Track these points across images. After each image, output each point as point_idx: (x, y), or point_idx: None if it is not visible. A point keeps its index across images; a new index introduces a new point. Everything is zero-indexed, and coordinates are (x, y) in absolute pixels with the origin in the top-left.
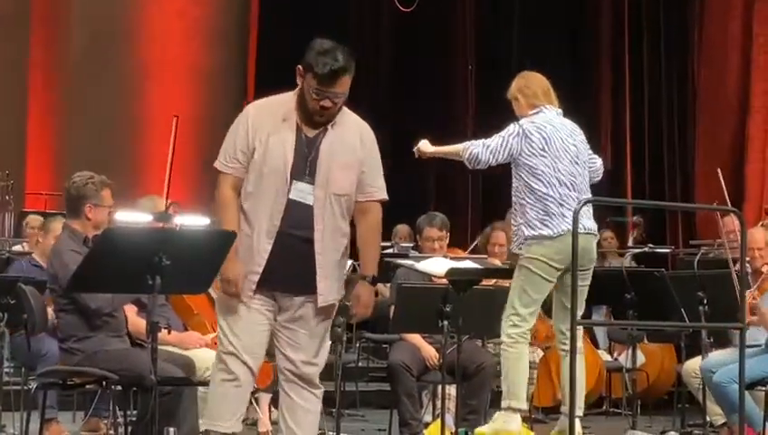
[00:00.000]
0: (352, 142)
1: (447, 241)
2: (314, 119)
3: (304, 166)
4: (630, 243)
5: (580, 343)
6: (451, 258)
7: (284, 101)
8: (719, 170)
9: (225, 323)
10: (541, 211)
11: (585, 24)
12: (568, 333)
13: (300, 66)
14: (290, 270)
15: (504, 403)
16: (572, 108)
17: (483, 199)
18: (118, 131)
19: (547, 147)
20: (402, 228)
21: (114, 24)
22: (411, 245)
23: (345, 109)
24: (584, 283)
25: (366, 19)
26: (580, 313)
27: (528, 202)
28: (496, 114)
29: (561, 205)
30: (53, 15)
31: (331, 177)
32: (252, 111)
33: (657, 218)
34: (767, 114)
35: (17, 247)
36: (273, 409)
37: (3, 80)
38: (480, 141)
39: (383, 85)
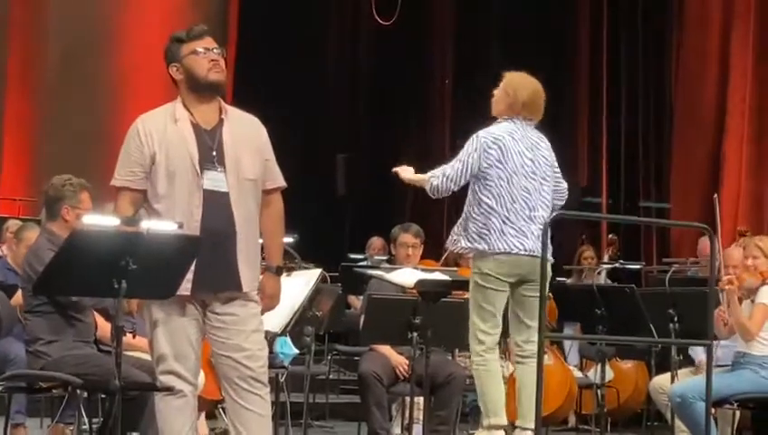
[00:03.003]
0: (250, 131)
1: (421, 251)
2: (210, 78)
3: (211, 155)
4: (605, 261)
5: (534, 350)
6: (422, 270)
7: (170, 106)
8: (715, 197)
9: (157, 337)
10: (481, 225)
11: (563, 44)
12: (523, 345)
13: (171, 63)
14: (213, 264)
15: (484, 422)
16: (549, 125)
17: (458, 216)
18: (94, 139)
19: (503, 158)
20: (376, 241)
21: (91, 34)
22: (385, 258)
23: (231, 107)
24: (535, 294)
25: (345, 32)
26: (536, 323)
27: (472, 215)
28: (473, 128)
29: (505, 222)
30: (31, 24)
31: (239, 162)
32: (140, 123)
33: (631, 237)
34: (743, 135)
35: None
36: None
37: None
38: (440, 171)
39: (360, 98)
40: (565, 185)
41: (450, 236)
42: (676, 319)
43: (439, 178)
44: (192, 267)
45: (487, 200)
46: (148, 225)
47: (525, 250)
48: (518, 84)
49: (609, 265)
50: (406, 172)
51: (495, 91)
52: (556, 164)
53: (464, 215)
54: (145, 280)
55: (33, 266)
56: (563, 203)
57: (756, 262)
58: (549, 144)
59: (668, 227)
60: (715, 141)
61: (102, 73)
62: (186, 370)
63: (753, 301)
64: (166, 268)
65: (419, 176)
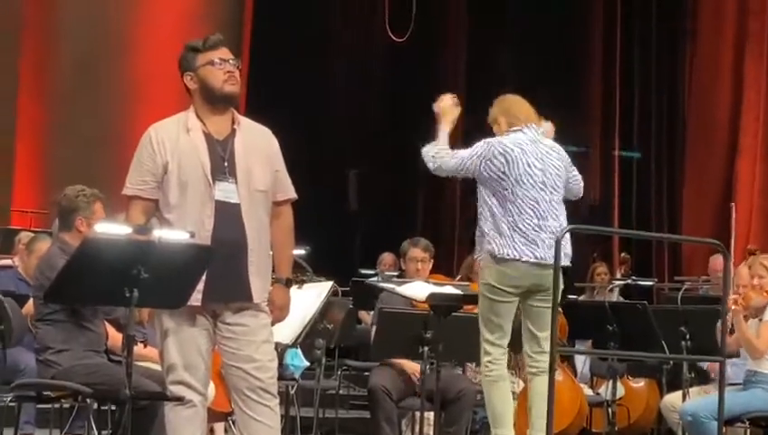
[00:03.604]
0: (262, 142)
1: (431, 266)
2: (225, 90)
3: (222, 166)
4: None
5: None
6: (433, 283)
7: (183, 116)
8: (732, 205)
9: (167, 347)
10: (493, 232)
11: (576, 60)
12: (535, 356)
13: (186, 72)
14: (224, 275)
15: (493, 433)
16: (561, 141)
17: (469, 231)
18: (106, 150)
19: (508, 169)
20: (387, 257)
21: (104, 42)
22: (396, 273)
23: (244, 117)
24: (546, 305)
25: (358, 47)
26: (545, 334)
27: (485, 216)
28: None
29: (515, 230)
30: (43, 32)
31: (251, 173)
32: (152, 132)
33: (643, 256)
34: (756, 153)
35: (5, 262)
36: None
37: None
38: (443, 152)
39: (372, 114)
40: (581, 184)
41: (475, 247)
42: (687, 337)
43: (434, 159)
44: (203, 278)
45: (495, 209)
46: (160, 234)
47: (536, 258)
48: (505, 104)
49: (622, 282)
50: (446, 111)
51: (491, 121)
52: (571, 164)
53: (479, 224)
54: (156, 289)
55: (44, 274)
56: (579, 197)
57: (762, 281)
58: (562, 152)
59: (680, 246)
60: (728, 160)
61: (115, 80)
62: (196, 380)
63: (760, 319)
64: (177, 277)
65: (442, 135)
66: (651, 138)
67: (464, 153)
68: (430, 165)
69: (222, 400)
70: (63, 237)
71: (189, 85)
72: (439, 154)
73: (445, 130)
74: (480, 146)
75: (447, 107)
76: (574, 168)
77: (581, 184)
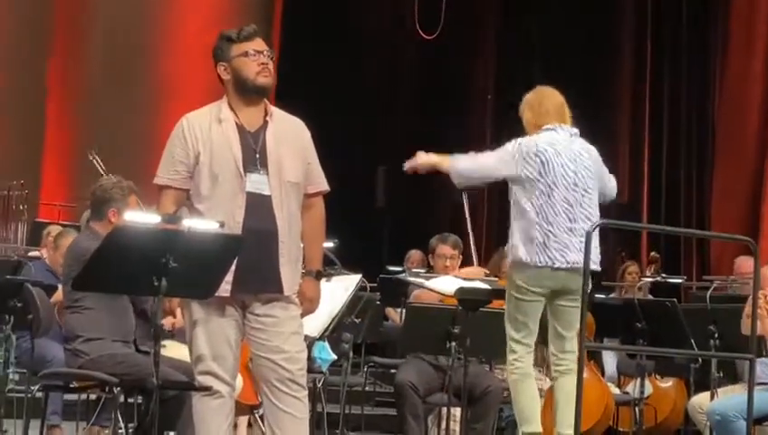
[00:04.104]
0: (293, 133)
1: (459, 262)
2: (258, 82)
3: (254, 158)
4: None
5: (574, 365)
6: (461, 278)
7: (215, 106)
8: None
9: (196, 337)
10: (524, 236)
11: (606, 61)
12: (561, 355)
13: (220, 62)
14: (255, 266)
15: (519, 431)
16: (590, 141)
17: (498, 228)
18: (135, 146)
19: (544, 170)
20: (415, 254)
21: (134, 39)
22: (423, 270)
23: (276, 108)
24: (573, 304)
25: (387, 45)
26: (571, 334)
27: (517, 223)
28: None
29: (548, 235)
30: (74, 28)
31: (282, 165)
32: (185, 122)
33: (671, 255)
34: None
35: (34, 253)
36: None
37: (21, 92)
38: (470, 160)
39: (401, 111)
40: (614, 182)
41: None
42: (716, 335)
43: (468, 170)
44: (233, 268)
45: (529, 211)
46: (190, 223)
47: (567, 262)
48: (537, 98)
49: (651, 279)
50: (421, 159)
51: (521, 113)
52: (603, 168)
53: (511, 224)
54: (185, 279)
55: (73, 262)
56: (611, 199)
57: None
58: (594, 153)
59: (708, 247)
60: (758, 161)
61: (144, 78)
62: (223, 370)
63: None
64: (206, 267)
65: (437, 159)
66: (681, 145)
67: (495, 154)
68: (465, 176)
69: (248, 392)
70: (94, 227)
71: (223, 76)
72: (467, 167)
73: (441, 158)
74: (512, 145)
75: (424, 161)
76: (606, 169)
77: (614, 183)
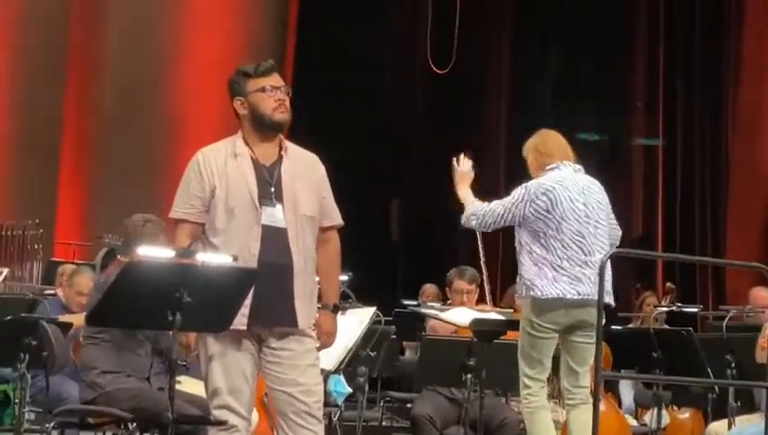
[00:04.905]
0: (308, 168)
1: (477, 296)
2: (275, 118)
3: (269, 192)
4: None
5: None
6: (477, 310)
7: (231, 141)
8: None
9: (212, 371)
10: (534, 274)
11: (618, 91)
12: (574, 390)
13: (236, 96)
14: (270, 300)
15: None
16: (604, 175)
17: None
18: (150, 183)
19: (552, 207)
20: (429, 288)
21: (148, 75)
22: (439, 304)
23: (291, 143)
24: (587, 340)
25: (400, 81)
26: (584, 369)
27: (524, 264)
28: (528, 176)
29: (557, 270)
30: (87, 66)
31: (297, 199)
32: (200, 156)
33: (687, 286)
34: None
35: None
36: None
37: (36, 129)
38: (481, 208)
39: (415, 145)
40: (619, 232)
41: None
42: (732, 365)
43: (477, 218)
44: (248, 302)
45: (537, 250)
46: (203, 257)
47: (579, 295)
48: (540, 140)
49: (666, 308)
50: (464, 180)
51: (525, 156)
52: (610, 207)
53: (519, 264)
54: (199, 313)
55: (98, 293)
56: (618, 235)
57: None
58: (601, 187)
59: (724, 277)
60: None
61: (159, 110)
62: (240, 404)
63: None
64: (220, 301)
65: (468, 197)
66: (695, 174)
67: (505, 202)
68: (474, 224)
69: (264, 428)
70: (123, 261)
71: (239, 110)
72: (479, 212)
73: (467, 191)
74: (519, 191)
75: (467, 171)
76: (612, 215)
77: (619, 232)
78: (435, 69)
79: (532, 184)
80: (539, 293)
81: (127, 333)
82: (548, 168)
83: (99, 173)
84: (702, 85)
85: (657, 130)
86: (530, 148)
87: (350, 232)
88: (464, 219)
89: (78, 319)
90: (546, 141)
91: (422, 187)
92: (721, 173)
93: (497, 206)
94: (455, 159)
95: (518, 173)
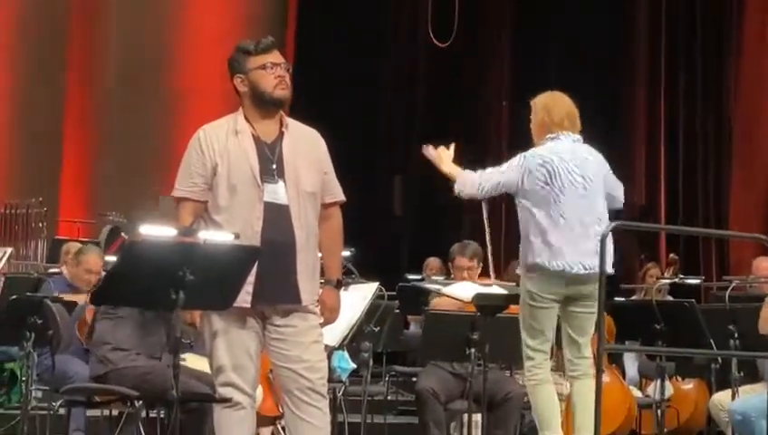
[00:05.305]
0: (309, 144)
1: (479, 271)
2: (276, 95)
3: (271, 169)
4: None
5: (590, 370)
6: (480, 284)
7: (232, 119)
8: None
9: (216, 348)
10: (536, 244)
11: (621, 63)
12: (576, 360)
13: (236, 74)
14: (273, 277)
15: None
16: (606, 145)
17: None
18: (152, 160)
19: (550, 180)
20: (433, 261)
21: (149, 53)
22: (442, 277)
23: (292, 119)
24: (586, 310)
25: (401, 54)
26: (585, 340)
27: (529, 235)
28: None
29: (558, 242)
30: (89, 45)
31: (299, 175)
32: (201, 134)
33: (690, 257)
34: None
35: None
36: None
37: (38, 109)
38: (477, 176)
39: (417, 120)
40: (621, 188)
41: (519, 262)
42: (736, 335)
43: (474, 185)
44: (252, 279)
45: (538, 222)
46: (205, 235)
47: (585, 268)
48: (547, 104)
49: (669, 281)
50: (442, 159)
51: (532, 109)
52: (609, 169)
53: (522, 235)
54: (202, 291)
55: None
56: (620, 207)
57: None
58: (599, 156)
59: (728, 247)
60: None
61: (160, 91)
62: (244, 381)
63: None
64: (223, 279)
65: (453, 171)
66: (698, 143)
67: (502, 168)
68: (471, 192)
69: (269, 404)
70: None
71: (239, 88)
72: (474, 180)
73: (452, 167)
74: (518, 160)
75: (437, 154)
76: (612, 175)
77: (621, 188)
78: (436, 42)
79: (529, 153)
80: (541, 265)
81: (141, 310)
82: (548, 136)
83: (102, 151)
84: (704, 55)
85: (660, 98)
86: (539, 105)
87: (352, 207)
88: (457, 188)
89: (82, 298)
90: (557, 105)
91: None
92: (724, 142)
93: (494, 172)
94: (423, 150)
95: (521, 146)
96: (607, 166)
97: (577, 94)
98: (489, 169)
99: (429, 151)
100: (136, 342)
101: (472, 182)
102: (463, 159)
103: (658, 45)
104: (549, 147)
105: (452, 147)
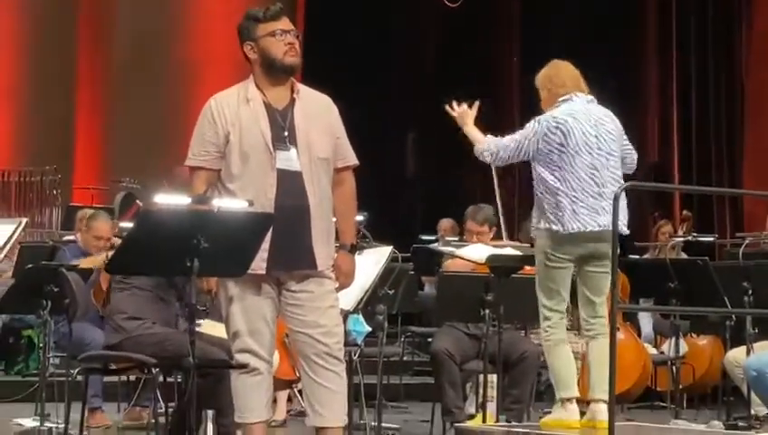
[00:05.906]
0: (321, 110)
1: (491, 236)
2: (286, 62)
3: (283, 135)
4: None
5: (605, 329)
6: (493, 246)
7: (242, 86)
8: None
9: (232, 314)
10: (553, 205)
11: (633, 21)
12: (591, 320)
13: (246, 41)
14: (288, 243)
15: (557, 396)
16: (619, 102)
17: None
18: (164, 127)
19: (566, 141)
20: (446, 222)
21: (160, 22)
22: (456, 238)
23: (303, 86)
24: (601, 270)
25: (411, 14)
26: (601, 299)
27: (544, 195)
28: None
29: (574, 201)
30: (99, 16)
31: (311, 141)
32: (213, 102)
33: (704, 214)
34: None
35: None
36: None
37: (51, 77)
38: (494, 145)
39: (428, 79)
40: (634, 156)
41: (531, 224)
42: (750, 292)
43: (491, 153)
44: (267, 246)
45: (553, 182)
46: (219, 203)
47: (599, 226)
48: (553, 71)
49: (682, 239)
50: (465, 119)
51: (538, 87)
52: (624, 136)
53: (536, 197)
54: (217, 258)
55: None
56: (632, 171)
57: None
58: (614, 117)
59: (741, 204)
60: None
61: (171, 59)
62: (260, 347)
63: None
64: (237, 246)
65: (475, 133)
66: (710, 100)
67: (517, 136)
68: (488, 158)
69: (286, 368)
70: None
71: (249, 55)
72: (492, 148)
73: (473, 128)
74: (532, 126)
75: (463, 111)
76: (626, 139)
77: (635, 155)
78: (447, 2)
79: (544, 118)
80: (558, 225)
81: (155, 280)
82: (560, 99)
83: (114, 118)
84: (715, 13)
85: (672, 55)
86: (542, 78)
87: (364, 171)
88: (477, 152)
89: (95, 260)
90: (559, 71)
91: (437, 122)
92: (736, 99)
93: (510, 141)
94: (447, 107)
95: (533, 103)
96: (622, 129)
97: (588, 52)
98: (506, 138)
99: (453, 109)
100: (150, 312)
101: (489, 150)
102: (478, 117)
103: (670, 1)
104: (562, 108)
105: (475, 106)
